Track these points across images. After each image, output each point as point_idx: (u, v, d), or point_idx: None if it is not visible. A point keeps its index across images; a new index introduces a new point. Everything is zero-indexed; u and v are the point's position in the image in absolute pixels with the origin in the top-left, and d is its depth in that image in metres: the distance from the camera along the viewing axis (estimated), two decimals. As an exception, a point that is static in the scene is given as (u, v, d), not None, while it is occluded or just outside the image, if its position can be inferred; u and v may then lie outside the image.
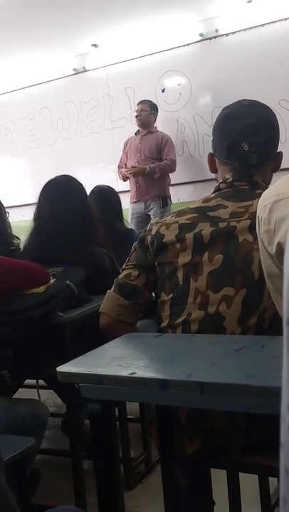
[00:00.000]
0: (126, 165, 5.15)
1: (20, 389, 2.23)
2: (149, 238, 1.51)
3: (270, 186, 1.28)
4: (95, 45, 5.69)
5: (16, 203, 4.88)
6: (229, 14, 5.05)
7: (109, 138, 5.73)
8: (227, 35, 5.13)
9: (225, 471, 1.46)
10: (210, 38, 5.22)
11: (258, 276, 1.31)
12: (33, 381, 2.34)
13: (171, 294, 1.43)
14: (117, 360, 1.22)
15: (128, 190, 5.11)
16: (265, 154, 1.46)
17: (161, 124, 5.20)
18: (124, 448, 2.24)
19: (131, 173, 4.99)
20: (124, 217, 3.11)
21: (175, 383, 1.06)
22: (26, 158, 6.43)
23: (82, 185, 2.35)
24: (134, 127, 5.27)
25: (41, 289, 1.90)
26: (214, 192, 1.50)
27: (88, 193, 2.53)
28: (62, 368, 1.21)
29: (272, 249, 1.13)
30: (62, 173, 2.39)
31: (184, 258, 1.42)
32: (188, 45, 5.32)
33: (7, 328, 1.81)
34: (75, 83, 6.02)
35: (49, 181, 2.32)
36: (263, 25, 4.92)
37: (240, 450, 1.32)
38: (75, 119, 6.04)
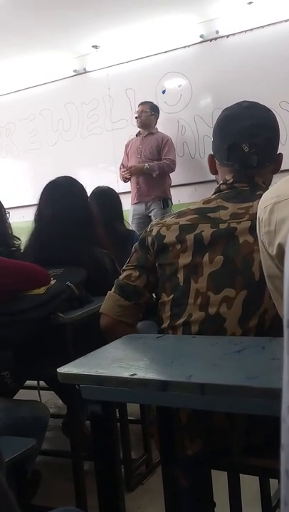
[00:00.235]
0: (123, 165, 5.16)
1: (21, 390, 2.23)
2: (149, 239, 1.51)
3: (271, 188, 1.28)
4: (95, 47, 5.70)
5: (16, 204, 4.88)
6: (230, 16, 5.05)
7: (110, 139, 5.74)
8: (227, 36, 5.14)
9: (226, 472, 1.46)
10: (210, 40, 5.23)
11: (258, 277, 1.31)
12: (34, 382, 2.34)
13: (172, 295, 1.43)
14: (118, 361, 1.22)
15: (129, 192, 5.11)
16: (265, 155, 1.46)
17: (161, 126, 5.20)
18: (124, 449, 2.24)
19: (129, 172, 5.00)
20: (125, 218, 3.11)
21: (176, 384, 1.06)
22: (27, 160, 6.43)
23: (82, 186, 2.35)
24: (134, 128, 5.28)
25: (42, 290, 1.90)
26: (214, 193, 1.50)
27: (89, 194, 2.53)
28: (63, 369, 1.21)
29: (273, 251, 1.13)
30: (62, 175, 2.40)
31: (185, 259, 1.42)
32: (188, 46, 5.33)
33: (8, 329, 1.81)
34: (76, 84, 6.02)
35: (50, 182, 2.33)
36: (263, 26, 4.93)
37: (240, 451, 1.32)
38: (76, 121, 6.04)
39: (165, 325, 1.44)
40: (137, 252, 1.56)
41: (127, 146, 5.27)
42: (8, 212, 2.41)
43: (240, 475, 1.48)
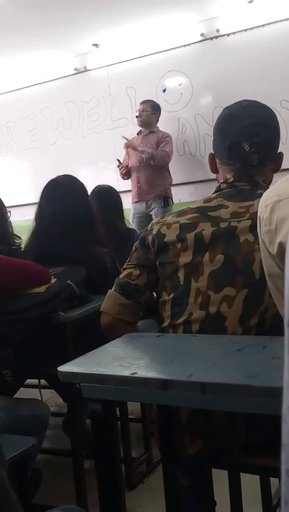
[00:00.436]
0: (120, 162, 5.15)
1: (21, 388, 2.23)
2: (150, 238, 1.51)
3: (271, 186, 1.28)
4: (96, 45, 5.69)
5: (17, 203, 4.89)
6: (230, 14, 5.05)
7: (110, 138, 5.73)
8: (228, 35, 5.13)
9: (226, 471, 1.46)
10: (211, 38, 5.22)
11: (258, 276, 1.31)
12: (35, 381, 2.34)
13: (172, 294, 1.43)
14: (119, 360, 1.22)
15: (129, 190, 5.11)
16: (265, 154, 1.46)
17: (162, 124, 5.19)
18: (125, 448, 2.24)
19: (124, 168, 5.02)
20: (125, 217, 3.11)
21: (176, 383, 1.06)
22: (27, 158, 6.43)
23: (83, 184, 2.35)
24: (135, 127, 5.28)
25: (42, 288, 1.90)
26: (215, 192, 1.50)
27: (89, 193, 2.53)
28: (64, 368, 1.21)
29: (274, 250, 1.13)
30: (63, 173, 2.39)
31: (185, 258, 1.42)
32: (189, 45, 5.32)
33: (8, 327, 1.81)
34: (76, 83, 6.02)
35: (50, 181, 2.33)
36: (264, 25, 4.92)
37: (241, 450, 1.32)
38: (76, 119, 6.04)
39: (165, 324, 1.44)
40: (137, 251, 1.56)
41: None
42: (9, 211, 2.41)
43: (241, 474, 1.48)
